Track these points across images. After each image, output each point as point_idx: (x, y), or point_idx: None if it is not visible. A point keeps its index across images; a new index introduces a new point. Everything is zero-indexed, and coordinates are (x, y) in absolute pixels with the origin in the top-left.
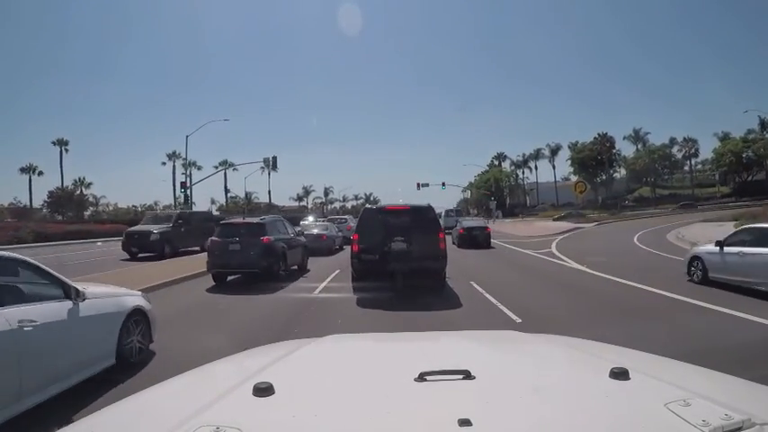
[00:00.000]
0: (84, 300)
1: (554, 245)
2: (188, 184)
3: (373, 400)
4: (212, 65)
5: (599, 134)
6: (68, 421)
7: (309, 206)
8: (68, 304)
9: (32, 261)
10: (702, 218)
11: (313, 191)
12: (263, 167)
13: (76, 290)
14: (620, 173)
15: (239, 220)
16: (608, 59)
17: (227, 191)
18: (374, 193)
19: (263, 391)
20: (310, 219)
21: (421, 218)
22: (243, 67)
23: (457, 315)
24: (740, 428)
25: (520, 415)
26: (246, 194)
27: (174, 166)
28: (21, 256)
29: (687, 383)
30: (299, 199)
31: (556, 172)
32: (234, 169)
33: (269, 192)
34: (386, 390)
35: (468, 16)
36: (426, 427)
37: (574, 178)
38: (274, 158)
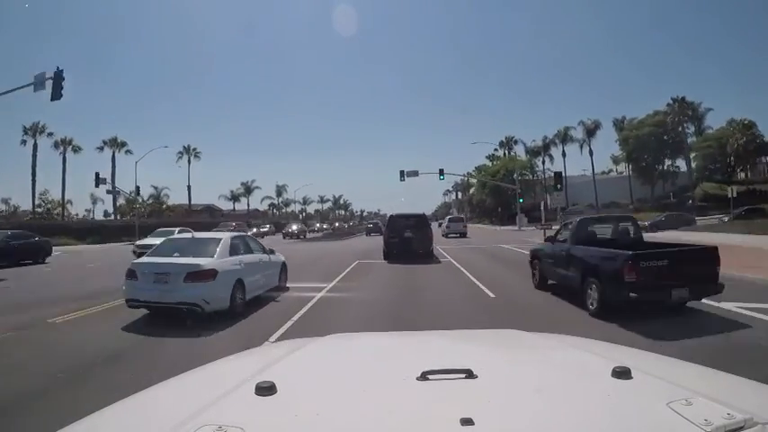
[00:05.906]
0: (271, 254)
1: None
2: None
3: (375, 399)
4: (184, 61)
5: (673, 99)
6: (69, 420)
7: (260, 209)
8: (266, 256)
9: (253, 237)
10: None
11: (257, 188)
12: (180, 153)
13: (270, 250)
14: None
15: None
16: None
17: (109, 181)
18: (344, 195)
19: (266, 390)
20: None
21: (419, 221)
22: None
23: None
24: (742, 428)
25: (522, 414)
26: (136, 190)
27: (35, 146)
28: (250, 235)
29: (689, 383)
30: (235, 198)
31: (593, 160)
32: (127, 151)
33: (188, 187)
34: (388, 389)
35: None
36: (428, 426)
37: (617, 170)
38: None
